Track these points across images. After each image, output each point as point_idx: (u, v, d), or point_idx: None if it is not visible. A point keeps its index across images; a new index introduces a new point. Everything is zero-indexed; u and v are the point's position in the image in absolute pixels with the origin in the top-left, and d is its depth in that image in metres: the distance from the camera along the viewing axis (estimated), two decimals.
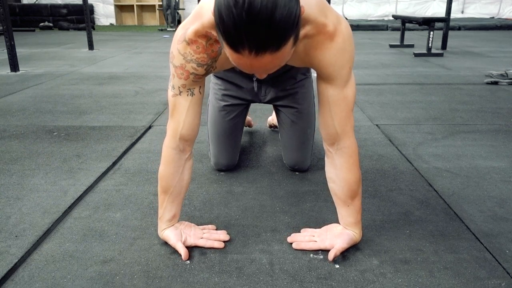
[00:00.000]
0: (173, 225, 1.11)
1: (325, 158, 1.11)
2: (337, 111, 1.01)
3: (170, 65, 1.00)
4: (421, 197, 1.36)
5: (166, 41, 6.64)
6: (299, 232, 1.16)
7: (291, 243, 1.10)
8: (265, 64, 0.74)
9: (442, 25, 5.21)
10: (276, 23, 0.68)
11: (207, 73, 1.00)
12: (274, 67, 0.77)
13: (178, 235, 1.08)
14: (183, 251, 1.04)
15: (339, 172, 1.06)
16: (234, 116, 1.52)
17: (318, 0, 0.91)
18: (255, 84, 1.45)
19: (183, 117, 1.04)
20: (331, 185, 1.10)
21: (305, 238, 1.11)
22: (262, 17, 0.67)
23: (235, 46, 0.72)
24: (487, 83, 3.14)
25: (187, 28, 0.93)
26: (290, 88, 1.47)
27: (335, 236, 1.07)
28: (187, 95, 1.02)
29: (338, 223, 1.12)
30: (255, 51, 0.71)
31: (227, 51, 0.75)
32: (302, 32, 0.89)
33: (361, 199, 1.09)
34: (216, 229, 1.17)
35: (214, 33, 0.91)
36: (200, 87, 1.03)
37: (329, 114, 1.02)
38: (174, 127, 1.05)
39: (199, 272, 1.00)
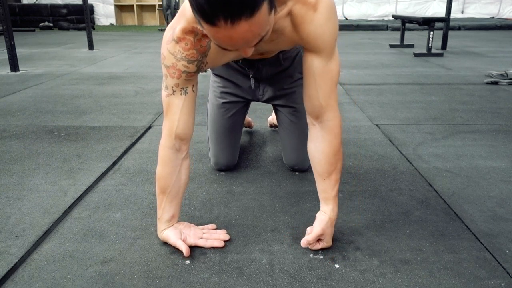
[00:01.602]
0: (172, 225, 1.11)
1: (308, 134, 1.11)
2: (321, 84, 1.02)
3: (162, 66, 1.01)
4: (421, 197, 1.36)
5: None
6: (299, 232, 1.15)
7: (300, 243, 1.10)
8: (243, 33, 0.75)
9: (442, 25, 5.21)
10: None
11: (198, 70, 1.01)
12: (254, 37, 0.77)
13: (178, 234, 1.09)
14: (184, 248, 1.04)
15: (319, 145, 1.07)
16: (233, 114, 1.52)
17: None
18: (252, 81, 1.45)
19: (178, 116, 1.05)
20: (311, 159, 1.10)
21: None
22: None
23: (210, 20, 0.73)
24: (487, 83, 3.14)
25: (174, 27, 0.95)
26: (288, 88, 1.48)
27: (315, 226, 1.08)
28: (181, 94, 1.03)
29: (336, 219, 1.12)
30: (230, 19, 0.72)
31: (205, 28, 0.76)
32: (285, 9, 0.92)
33: (340, 175, 1.08)
34: (216, 229, 1.17)
35: (199, 27, 0.92)
36: (193, 85, 1.04)
37: (313, 86, 1.03)
38: (169, 126, 1.06)
39: (199, 272, 1.00)
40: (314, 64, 1.01)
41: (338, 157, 1.07)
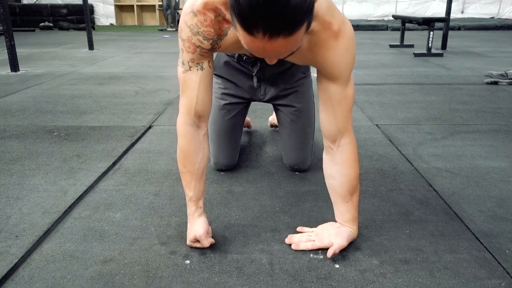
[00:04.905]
0: (204, 215, 1.10)
1: (324, 156, 1.11)
2: (339, 110, 1.03)
3: (179, 40, 1.00)
4: (421, 197, 1.36)
5: (166, 41, 6.64)
6: (297, 232, 1.16)
7: (290, 244, 1.10)
8: (278, 48, 0.74)
9: (442, 25, 5.21)
10: (291, 8, 0.68)
11: (212, 48, 0.99)
12: (286, 52, 0.77)
13: (208, 232, 1.08)
14: (207, 243, 1.07)
15: (340, 168, 1.07)
16: (234, 115, 1.52)
17: (328, 0, 0.92)
18: (254, 80, 1.44)
19: (196, 93, 1.03)
20: (331, 182, 1.10)
21: (303, 238, 1.11)
22: (278, 1, 0.67)
23: (249, 29, 0.72)
24: (487, 83, 3.14)
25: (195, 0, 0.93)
26: (290, 87, 1.48)
27: (334, 235, 1.08)
28: (197, 69, 1.01)
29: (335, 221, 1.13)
30: (269, 34, 0.71)
31: (240, 33, 0.75)
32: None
33: (359, 197, 1.10)
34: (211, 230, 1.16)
35: (223, 10, 0.91)
36: (209, 61, 1.03)
37: (331, 112, 1.03)
38: (187, 103, 1.04)
39: (199, 272, 1.00)
40: (331, 90, 1.01)
41: (358, 180, 1.09)
